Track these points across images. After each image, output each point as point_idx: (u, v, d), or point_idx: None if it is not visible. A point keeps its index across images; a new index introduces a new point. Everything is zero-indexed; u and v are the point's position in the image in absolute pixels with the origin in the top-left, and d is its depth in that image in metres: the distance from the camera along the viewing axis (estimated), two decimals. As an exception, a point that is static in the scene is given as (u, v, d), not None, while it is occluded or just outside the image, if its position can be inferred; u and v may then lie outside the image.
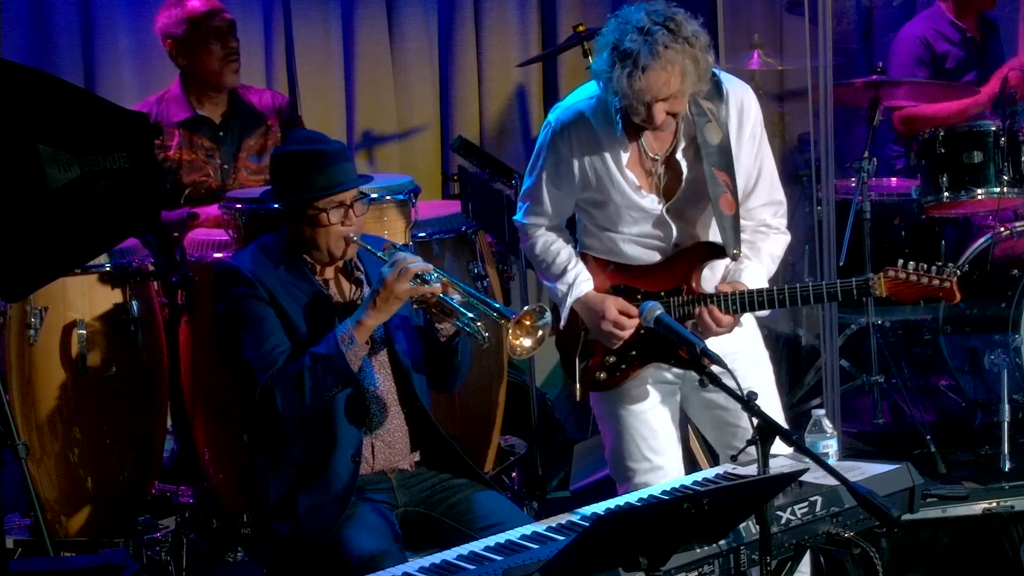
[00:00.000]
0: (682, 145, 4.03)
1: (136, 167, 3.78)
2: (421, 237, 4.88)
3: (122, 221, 3.88)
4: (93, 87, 5.97)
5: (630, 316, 4.02)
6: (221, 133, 5.44)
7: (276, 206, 4.11)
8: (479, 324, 3.90)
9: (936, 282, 3.95)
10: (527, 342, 3.84)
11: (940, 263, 3.98)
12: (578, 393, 4.17)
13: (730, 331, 4.00)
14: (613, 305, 4.05)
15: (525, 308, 3.84)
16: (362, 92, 6.50)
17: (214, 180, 5.39)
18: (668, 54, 3.79)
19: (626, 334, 4.04)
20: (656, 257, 4.09)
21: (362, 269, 4.13)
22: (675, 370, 4.13)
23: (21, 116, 3.68)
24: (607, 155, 4.02)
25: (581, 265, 4.14)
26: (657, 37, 3.79)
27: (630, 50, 3.80)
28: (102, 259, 4.77)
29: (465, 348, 4.11)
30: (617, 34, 3.85)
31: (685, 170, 4.04)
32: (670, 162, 4.04)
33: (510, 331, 3.81)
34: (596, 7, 6.75)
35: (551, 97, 6.81)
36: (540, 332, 3.84)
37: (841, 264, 5.39)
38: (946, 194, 5.78)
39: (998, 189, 5.73)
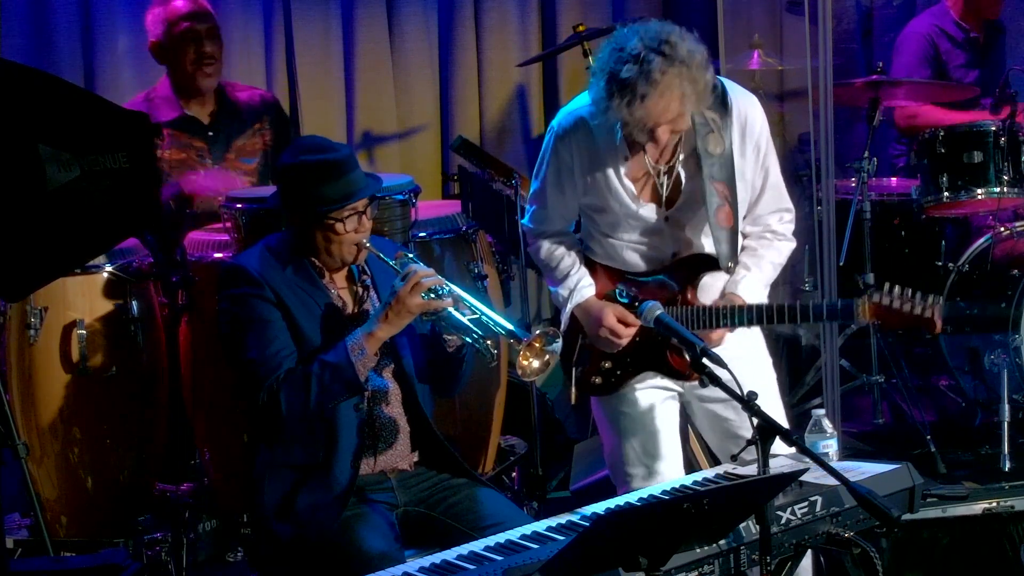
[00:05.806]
0: (683, 156, 4.01)
1: (136, 167, 3.77)
2: (421, 237, 4.87)
3: (122, 221, 3.87)
4: (93, 87, 5.97)
5: (628, 324, 4.03)
6: (211, 133, 5.43)
7: (285, 212, 4.08)
8: (488, 341, 3.91)
9: (918, 310, 3.93)
10: (535, 363, 3.85)
11: (922, 292, 3.95)
12: (572, 396, 4.18)
13: (718, 344, 3.98)
14: (612, 312, 4.05)
15: (537, 331, 3.86)
16: (362, 92, 6.50)
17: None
18: (665, 80, 3.75)
19: (623, 342, 4.05)
20: (654, 265, 4.09)
21: (368, 273, 4.12)
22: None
23: (21, 116, 3.67)
24: (606, 163, 4.01)
25: (584, 271, 4.14)
26: (653, 65, 3.74)
27: (627, 80, 3.75)
28: (102, 259, 4.76)
29: (470, 357, 4.10)
30: (612, 63, 3.79)
31: (684, 180, 4.02)
32: (671, 172, 4.03)
33: (520, 352, 3.83)
34: (596, 7, 6.75)
35: (551, 97, 6.81)
36: (548, 356, 3.85)
37: (841, 264, 5.39)
38: (946, 194, 5.77)
39: (998, 189, 5.72)
